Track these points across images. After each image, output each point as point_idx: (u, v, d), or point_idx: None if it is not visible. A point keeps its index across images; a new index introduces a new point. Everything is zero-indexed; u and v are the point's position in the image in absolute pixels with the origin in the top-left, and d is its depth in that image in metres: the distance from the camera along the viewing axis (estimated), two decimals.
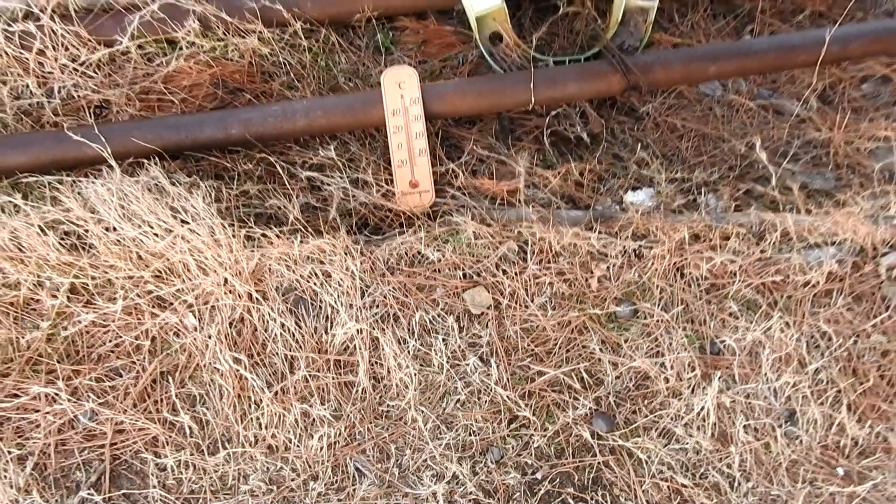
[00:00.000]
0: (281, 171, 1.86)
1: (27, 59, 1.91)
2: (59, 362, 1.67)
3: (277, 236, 1.75)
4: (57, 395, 1.63)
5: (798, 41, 2.05)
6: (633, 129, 2.17)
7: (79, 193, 1.73)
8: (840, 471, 1.65)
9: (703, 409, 1.67)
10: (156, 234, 1.69)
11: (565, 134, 2.05)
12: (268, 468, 1.60)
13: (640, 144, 2.12)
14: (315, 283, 1.73)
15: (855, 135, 2.15)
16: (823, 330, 1.79)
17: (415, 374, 1.68)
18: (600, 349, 1.73)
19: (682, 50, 2.07)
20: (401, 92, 1.87)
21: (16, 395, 1.64)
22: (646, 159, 2.06)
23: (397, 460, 1.62)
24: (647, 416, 1.68)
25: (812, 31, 2.08)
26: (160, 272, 1.71)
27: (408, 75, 1.87)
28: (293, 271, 1.73)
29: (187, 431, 1.63)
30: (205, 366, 1.67)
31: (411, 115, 1.87)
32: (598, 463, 1.62)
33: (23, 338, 1.67)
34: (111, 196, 1.69)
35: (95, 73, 1.95)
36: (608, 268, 1.83)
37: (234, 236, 1.71)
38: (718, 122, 2.22)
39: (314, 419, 1.64)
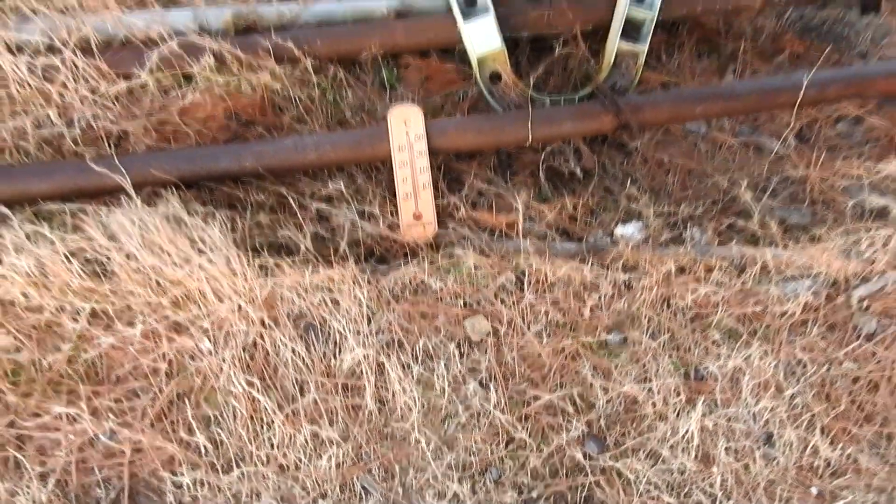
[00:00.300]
0: (292, 203, 1.96)
1: (49, 90, 2.00)
2: (80, 383, 1.75)
3: (290, 266, 1.85)
4: (78, 414, 1.71)
5: (778, 84, 2.19)
6: (623, 163, 2.30)
7: (101, 222, 1.82)
8: (814, 490, 1.77)
9: (687, 431, 1.78)
10: (174, 263, 1.78)
11: (560, 169, 2.17)
12: (279, 486, 1.69)
13: (629, 179, 2.25)
14: (324, 311, 1.83)
15: (830, 172, 2.29)
16: (799, 357, 1.92)
17: (418, 398, 1.78)
18: (592, 375, 1.85)
19: (671, 92, 2.21)
20: (406, 129, 1.98)
21: (38, 415, 1.72)
22: (635, 194, 2.18)
23: (401, 479, 1.72)
24: (635, 438, 1.79)
25: (791, 76, 2.22)
26: (178, 299, 1.80)
27: (413, 113, 1.98)
28: (304, 299, 1.83)
29: (202, 451, 1.72)
30: (219, 388, 1.76)
31: (416, 150, 1.98)
32: (590, 482, 1.73)
33: (45, 359, 1.76)
34: (132, 226, 1.78)
35: (114, 104, 2.04)
36: (600, 298, 1.94)
37: (248, 265, 1.81)
38: (703, 158, 2.36)
39: (323, 440, 1.74)
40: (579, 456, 1.75)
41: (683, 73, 2.52)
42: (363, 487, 1.71)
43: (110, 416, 1.73)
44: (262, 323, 1.80)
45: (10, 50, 2.01)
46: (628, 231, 2.09)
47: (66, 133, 2.00)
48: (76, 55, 2.01)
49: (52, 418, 1.71)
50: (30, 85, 1.99)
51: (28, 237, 1.80)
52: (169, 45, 2.03)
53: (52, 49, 2.02)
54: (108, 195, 1.91)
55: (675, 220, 2.16)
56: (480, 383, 1.82)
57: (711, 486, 1.74)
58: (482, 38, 2.11)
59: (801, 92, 2.16)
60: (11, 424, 1.71)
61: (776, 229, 2.12)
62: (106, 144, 2.02)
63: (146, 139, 2.03)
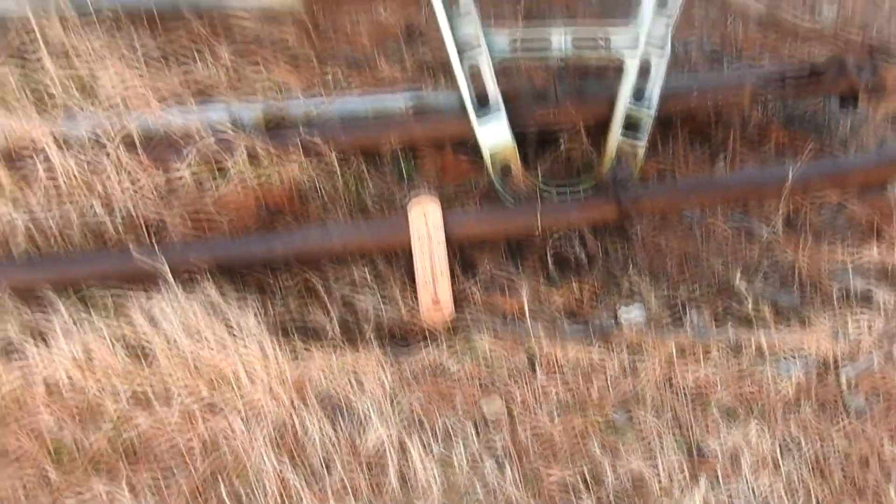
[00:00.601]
0: (319, 288, 2.11)
1: (93, 182, 2.16)
2: (119, 461, 1.85)
3: (318, 349, 1.98)
4: (117, 492, 1.81)
5: (765, 177, 2.38)
6: (624, 248, 2.46)
7: (142, 308, 1.95)
8: None
9: None
10: (211, 347, 1.91)
11: (566, 255, 2.33)
12: None
13: (630, 263, 2.40)
14: (350, 392, 1.95)
15: (816, 257, 2.46)
16: (794, 435, 2.04)
17: (438, 476, 1.89)
18: (601, 452, 1.96)
19: (668, 183, 2.39)
20: (425, 220, 2.14)
21: (80, 492, 1.82)
22: (636, 278, 2.34)
23: None
24: None
25: (777, 169, 2.41)
26: (213, 381, 1.92)
27: (431, 206, 2.14)
28: (331, 381, 1.96)
29: None
30: (251, 466, 1.86)
31: (434, 240, 2.14)
32: None
33: (87, 439, 1.87)
34: (173, 312, 1.91)
35: (153, 194, 2.20)
36: (606, 378, 2.08)
37: (279, 349, 1.94)
38: (698, 243, 2.52)
39: None
40: None
41: (678, 161, 2.70)
42: None
43: (148, 493, 1.83)
44: (292, 404, 1.92)
45: (58, 144, 2.17)
46: (631, 314, 2.23)
47: (108, 222, 2.15)
48: (119, 149, 2.17)
49: (93, 495, 1.81)
50: (76, 177, 2.15)
51: (75, 322, 1.93)
52: (205, 141, 2.20)
53: (97, 143, 2.18)
54: (149, 281, 2.05)
55: (675, 303, 2.31)
56: (496, 461, 1.94)
57: None
58: (494, 135, 2.30)
59: (787, 184, 2.34)
60: (54, 502, 1.80)
61: (768, 312, 2.27)
62: (144, 232, 2.17)
63: (182, 227, 2.17)
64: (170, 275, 2.00)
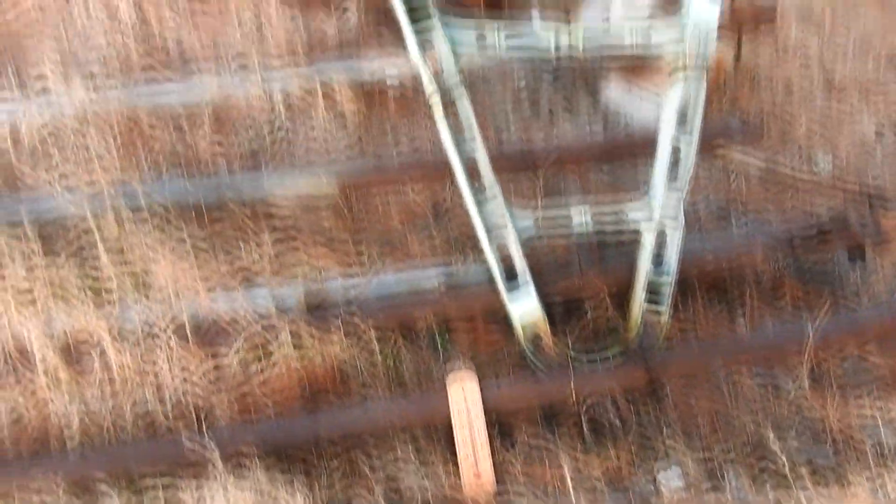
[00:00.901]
0: (364, 467, 2.16)
1: (147, 371, 2.27)
2: None
3: None
4: None
5: (786, 336, 2.48)
6: (655, 410, 2.51)
7: (192, 499, 2.00)
8: None
9: None
10: None
11: (600, 420, 2.39)
12: None
13: (663, 424, 2.45)
14: None
15: (845, 411, 2.50)
16: None
17: None
18: None
19: (693, 347, 2.50)
20: (464, 394, 2.22)
21: None
22: (670, 440, 2.38)
23: None
24: None
25: (796, 327, 2.51)
26: None
27: (469, 382, 2.23)
28: None
29: None
30: None
31: (473, 414, 2.21)
32: None
33: None
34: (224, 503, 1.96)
35: (202, 381, 2.30)
36: None
37: None
38: (726, 400, 2.57)
39: None
40: None
41: (698, 320, 2.80)
42: None
43: None
44: None
45: (113, 337, 2.30)
46: (669, 479, 2.26)
47: (158, 410, 2.24)
48: (171, 339, 2.30)
49: None
50: (129, 367, 2.26)
51: None
52: (251, 327, 2.33)
53: (150, 334, 2.31)
54: (199, 465, 2.11)
55: (711, 465, 2.34)
56: None
57: None
58: (524, 308, 2.43)
59: (808, 342, 2.44)
60: None
61: (805, 471, 2.29)
62: (194, 418, 2.25)
63: (229, 411, 2.26)
64: (219, 461, 2.07)
